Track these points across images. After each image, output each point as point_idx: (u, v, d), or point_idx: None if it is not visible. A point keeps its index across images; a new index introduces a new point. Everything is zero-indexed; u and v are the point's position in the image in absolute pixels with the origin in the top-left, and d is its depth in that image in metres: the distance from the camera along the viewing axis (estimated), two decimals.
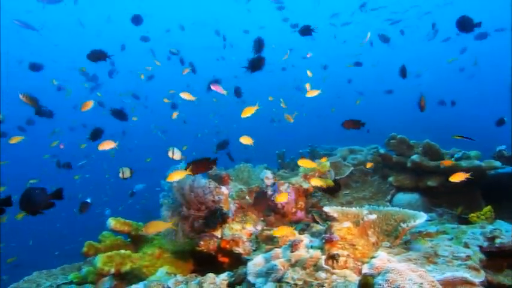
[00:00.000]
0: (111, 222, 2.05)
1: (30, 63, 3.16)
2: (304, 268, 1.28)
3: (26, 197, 1.44)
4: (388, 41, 6.08)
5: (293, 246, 1.41)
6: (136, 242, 2.14)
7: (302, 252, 1.37)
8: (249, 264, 1.46)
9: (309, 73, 3.58)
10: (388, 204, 2.57)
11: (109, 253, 1.75)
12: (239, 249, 1.74)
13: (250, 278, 1.40)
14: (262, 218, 2.19)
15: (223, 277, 1.54)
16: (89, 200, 2.89)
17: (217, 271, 1.66)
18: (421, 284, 0.92)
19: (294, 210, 2.21)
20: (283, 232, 1.43)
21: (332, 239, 1.32)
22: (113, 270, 1.69)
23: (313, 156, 4.83)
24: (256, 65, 2.64)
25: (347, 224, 1.45)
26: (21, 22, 6.36)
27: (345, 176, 3.10)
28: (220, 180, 2.38)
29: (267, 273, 1.37)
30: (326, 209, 1.77)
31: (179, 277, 1.73)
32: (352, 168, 3.18)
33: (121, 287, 1.73)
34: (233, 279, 1.53)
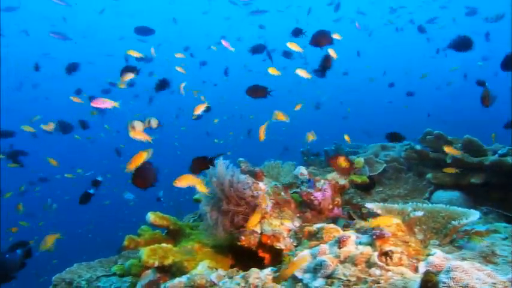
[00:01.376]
0: (151, 216, 2.09)
1: (68, 65, 3.27)
2: (355, 264, 1.25)
3: None
4: (424, 31, 5.93)
5: (341, 242, 1.39)
6: (174, 236, 2.17)
7: (351, 249, 1.34)
8: (295, 259, 1.45)
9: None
10: (427, 202, 2.48)
11: (152, 246, 1.79)
12: (280, 245, 1.73)
13: (297, 274, 1.39)
14: (298, 215, 2.17)
15: (267, 272, 1.54)
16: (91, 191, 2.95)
17: (257, 266, 1.66)
18: (494, 283, 0.87)
19: (330, 206, 2.18)
20: (384, 222, 1.38)
21: (384, 235, 1.28)
22: (156, 263, 1.72)
23: (338, 153, 4.76)
24: (325, 66, 2.69)
25: (396, 220, 1.41)
26: (56, 34, 6.61)
27: (377, 173, 3.04)
28: (254, 176, 2.38)
29: (314, 269, 1.35)
30: (369, 205, 1.73)
31: (221, 271, 1.74)
32: (385, 165, 3.11)
33: (165, 279, 1.76)
34: (278, 274, 1.52)
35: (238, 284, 1.41)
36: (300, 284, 1.35)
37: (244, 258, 1.93)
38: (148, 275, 1.79)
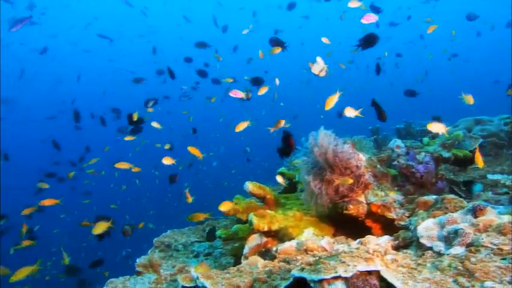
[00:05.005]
0: (249, 186, 2.17)
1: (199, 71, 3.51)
2: (502, 234, 1.17)
3: None
4: (475, 18, 5.32)
5: (477, 211, 1.31)
6: (269, 205, 2.24)
7: (491, 217, 1.26)
8: (419, 228, 1.40)
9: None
10: None
11: (260, 212, 1.86)
12: (392, 215, 1.69)
13: (425, 241, 1.35)
14: (396, 188, 2.10)
15: (386, 239, 1.52)
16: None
17: (361, 235, 1.64)
18: None
19: (434, 180, 2.07)
20: None
21: None
22: (266, 228, 1.79)
23: (407, 132, 4.49)
24: (369, 41, 2.62)
25: None
26: (100, 35, 7.04)
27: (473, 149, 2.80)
28: None
29: (446, 237, 1.30)
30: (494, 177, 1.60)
31: (329, 238, 1.76)
32: (481, 140, 2.85)
33: (272, 243, 1.84)
34: (397, 242, 1.50)
35: (358, 249, 1.41)
36: (430, 252, 1.30)
37: (346, 227, 1.93)
38: (255, 239, 1.88)
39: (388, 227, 1.72)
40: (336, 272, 1.03)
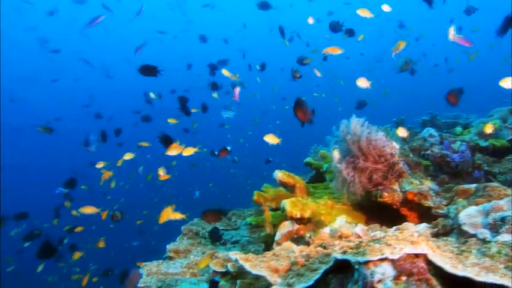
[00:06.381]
0: (278, 174, 2.18)
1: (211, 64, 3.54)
2: None
3: None
4: (474, 11, 5.05)
5: None
6: (299, 194, 2.24)
7: None
8: (461, 215, 1.37)
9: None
10: None
11: (292, 199, 1.87)
12: (429, 203, 1.66)
13: (468, 229, 1.32)
14: (429, 177, 2.06)
15: (423, 227, 1.50)
16: (228, 148, 3.18)
17: (394, 224, 1.62)
18: None
19: (470, 169, 2.01)
20: None
21: None
22: (299, 215, 1.80)
23: (433, 124, 4.36)
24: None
25: None
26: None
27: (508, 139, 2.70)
28: None
29: (492, 225, 1.27)
30: None
31: (363, 225, 1.75)
32: None
33: (304, 230, 1.84)
34: (436, 229, 1.47)
35: (401, 233, 1.39)
36: (474, 239, 1.27)
37: (377, 216, 1.91)
38: (287, 226, 1.88)
39: (424, 215, 1.69)
40: (383, 254, 1.02)
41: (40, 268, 3.57)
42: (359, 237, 1.65)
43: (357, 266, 1.07)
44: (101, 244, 2.77)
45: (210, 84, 3.48)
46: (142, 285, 1.85)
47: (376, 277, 1.00)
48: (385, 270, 1.01)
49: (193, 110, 3.63)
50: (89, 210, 2.65)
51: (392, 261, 1.02)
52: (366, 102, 3.35)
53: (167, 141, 2.99)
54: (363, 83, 2.44)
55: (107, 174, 3.34)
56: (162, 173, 2.88)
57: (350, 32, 3.48)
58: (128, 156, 3.29)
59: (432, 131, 2.22)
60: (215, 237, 2.64)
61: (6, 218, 3.17)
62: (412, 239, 1.09)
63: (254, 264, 1.37)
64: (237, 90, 2.92)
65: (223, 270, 2.00)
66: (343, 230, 1.64)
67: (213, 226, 2.79)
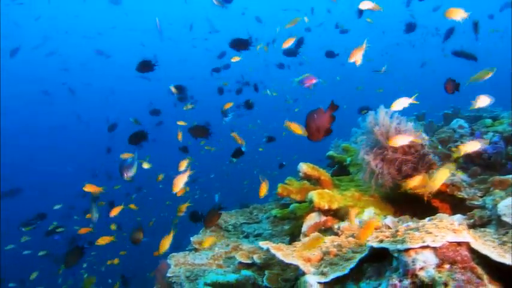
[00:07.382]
0: (303, 167, 2.17)
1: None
2: None
3: None
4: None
5: None
6: (324, 186, 2.22)
7: None
8: (500, 206, 1.33)
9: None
10: None
11: (319, 191, 1.86)
12: (462, 194, 1.62)
13: (508, 219, 1.28)
14: (459, 169, 2.00)
15: (458, 218, 1.46)
16: (243, 149, 3.19)
17: (424, 216, 1.58)
18: None
19: (504, 161, 1.94)
20: None
21: None
22: (326, 206, 1.79)
23: (456, 118, 4.24)
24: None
25: None
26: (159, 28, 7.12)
27: None
28: None
29: None
30: None
31: (392, 217, 1.73)
32: None
33: (332, 221, 1.83)
34: (472, 220, 1.44)
35: (441, 222, 1.36)
36: None
37: (405, 208, 1.88)
38: (314, 217, 1.88)
39: (457, 207, 1.65)
40: (424, 242, 1.00)
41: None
42: (389, 228, 1.63)
43: (396, 254, 1.06)
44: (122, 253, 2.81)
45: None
46: (171, 275, 1.88)
47: (418, 264, 0.98)
48: (427, 258, 0.99)
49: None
50: (91, 188, 2.53)
51: (434, 249, 1.00)
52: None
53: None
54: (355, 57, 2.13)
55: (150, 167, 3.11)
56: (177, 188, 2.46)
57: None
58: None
59: (462, 121, 2.16)
60: (195, 219, 2.73)
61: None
62: (453, 227, 1.06)
63: (286, 254, 1.38)
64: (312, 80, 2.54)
65: (250, 261, 2.02)
66: (370, 221, 1.62)
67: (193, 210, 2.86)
